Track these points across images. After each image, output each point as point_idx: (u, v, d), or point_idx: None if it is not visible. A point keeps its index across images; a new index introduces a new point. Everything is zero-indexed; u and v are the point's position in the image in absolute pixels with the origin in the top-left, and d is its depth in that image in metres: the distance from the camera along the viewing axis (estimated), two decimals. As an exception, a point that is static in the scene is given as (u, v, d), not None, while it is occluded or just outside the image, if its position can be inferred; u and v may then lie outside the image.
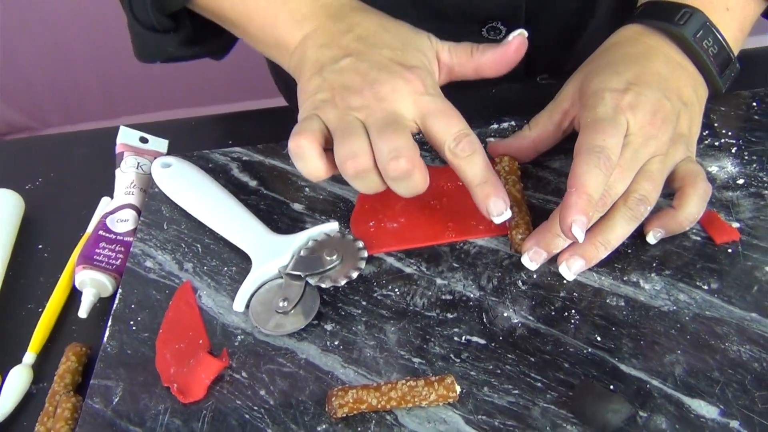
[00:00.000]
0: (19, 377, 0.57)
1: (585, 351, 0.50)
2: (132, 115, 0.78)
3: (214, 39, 0.69)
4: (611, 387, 0.47)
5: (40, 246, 0.69)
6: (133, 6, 0.63)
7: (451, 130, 0.52)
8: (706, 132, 0.60)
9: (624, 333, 0.50)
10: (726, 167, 0.58)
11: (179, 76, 1.32)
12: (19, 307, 0.64)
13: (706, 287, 0.51)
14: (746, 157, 0.58)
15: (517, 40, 0.55)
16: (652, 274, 0.53)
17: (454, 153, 0.52)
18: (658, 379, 0.47)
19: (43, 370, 0.59)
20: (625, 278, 0.53)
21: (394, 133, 0.50)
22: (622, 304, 0.52)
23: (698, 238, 0.54)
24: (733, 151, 0.59)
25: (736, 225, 0.54)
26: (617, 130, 0.51)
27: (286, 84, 0.94)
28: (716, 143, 0.60)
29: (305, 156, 0.52)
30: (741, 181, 0.57)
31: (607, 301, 0.52)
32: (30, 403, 0.57)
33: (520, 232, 0.55)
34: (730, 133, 0.60)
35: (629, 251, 0.54)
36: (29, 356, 0.59)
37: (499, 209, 0.52)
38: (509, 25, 0.71)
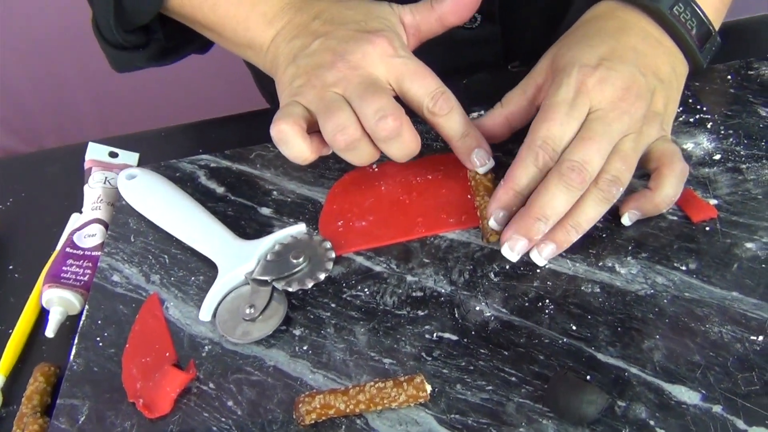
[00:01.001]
0: (-12, 401, 0.56)
1: (560, 341, 0.47)
2: (127, 132, 0.79)
3: (187, 46, 0.68)
4: (588, 377, 0.45)
5: (11, 266, 0.67)
6: (100, 26, 0.62)
7: (427, 89, 0.52)
8: (681, 108, 0.58)
9: (600, 321, 0.48)
10: (702, 143, 0.56)
11: (174, 92, 1.32)
12: (-12, 330, 0.62)
13: (684, 268, 0.49)
14: (722, 132, 0.56)
15: None
16: (628, 258, 0.51)
17: (433, 112, 0.53)
18: (637, 366, 0.45)
19: (13, 392, 0.57)
20: (600, 264, 0.51)
21: (374, 94, 0.51)
22: (598, 290, 0.49)
23: (675, 218, 0.52)
24: (709, 126, 0.57)
25: (713, 202, 0.52)
26: (570, 117, 0.50)
27: (272, 94, 0.93)
28: (691, 119, 0.57)
29: (288, 140, 0.52)
30: (717, 157, 0.55)
31: (582, 288, 0.50)
32: (0, 427, 0.55)
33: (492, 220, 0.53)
34: (705, 109, 0.58)
35: (604, 235, 0.52)
36: (-2, 379, 0.57)
37: (482, 159, 0.54)
38: (483, 12, 0.69)
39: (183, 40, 0.66)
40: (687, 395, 0.43)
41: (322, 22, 0.55)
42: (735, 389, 0.43)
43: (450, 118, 0.53)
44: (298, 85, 0.54)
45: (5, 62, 1.37)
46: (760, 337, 0.45)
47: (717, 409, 0.42)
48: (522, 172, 0.50)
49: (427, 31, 0.57)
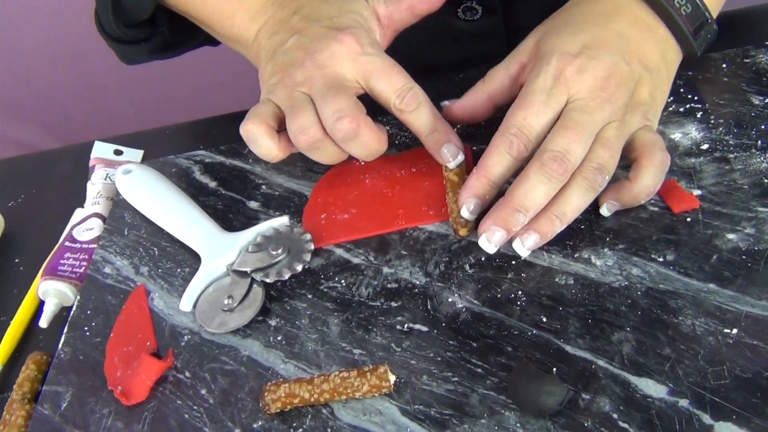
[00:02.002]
0: (-17, 388, 0.58)
1: (529, 333, 0.47)
2: (158, 126, 0.81)
3: (190, 41, 0.69)
4: (554, 369, 0.44)
5: (17, 260, 0.69)
6: (101, 20, 0.63)
7: (394, 86, 0.52)
8: (671, 98, 0.56)
9: (571, 312, 0.47)
10: (690, 133, 0.54)
11: (180, 90, 1.34)
12: (-9, 320, 0.64)
13: (661, 259, 0.48)
14: (712, 121, 0.54)
15: None
16: (605, 249, 0.49)
17: (400, 109, 0.53)
18: (605, 358, 0.44)
19: (8, 380, 0.59)
20: (576, 255, 0.50)
21: (334, 96, 0.51)
22: (572, 282, 0.48)
23: (656, 209, 0.50)
24: (699, 115, 0.55)
25: (697, 192, 0.50)
26: (546, 107, 0.49)
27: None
28: (681, 109, 0.56)
29: (255, 139, 0.54)
30: (705, 146, 0.53)
31: (556, 280, 0.49)
32: (-6, 414, 0.57)
33: (455, 214, 0.52)
34: (696, 98, 0.56)
35: (582, 227, 0.51)
36: (-6, 367, 0.59)
37: (453, 153, 0.54)
38: (483, 4, 0.69)
39: (187, 34, 0.67)
40: (653, 389, 0.42)
41: (300, 18, 0.56)
42: (704, 383, 0.42)
43: (418, 114, 0.53)
44: (273, 83, 0.54)
45: (37, 62, 1.41)
46: (734, 330, 0.43)
47: (683, 403, 0.41)
48: (495, 160, 0.50)
49: (400, 20, 0.57)
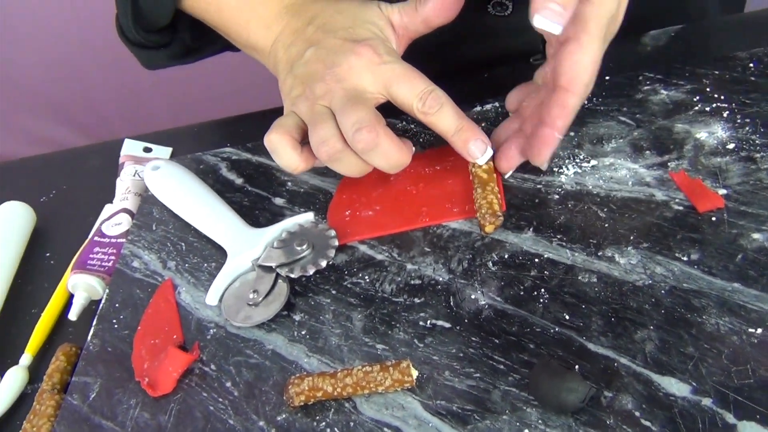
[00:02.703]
0: (15, 378, 0.59)
1: (552, 330, 0.47)
2: (187, 123, 0.82)
3: (210, 46, 0.70)
4: (576, 366, 0.44)
5: (48, 254, 0.71)
6: (122, 26, 0.64)
7: (415, 90, 0.52)
8: (697, 98, 0.56)
9: (594, 310, 0.47)
10: (716, 132, 0.54)
11: (209, 89, 1.36)
12: (23, 312, 0.65)
13: (685, 258, 0.47)
14: (738, 121, 0.54)
15: None
16: (629, 248, 0.49)
17: (423, 111, 0.52)
18: (627, 356, 0.44)
19: (39, 370, 0.60)
20: (599, 253, 0.50)
21: (353, 107, 0.51)
22: (595, 280, 0.48)
23: (680, 208, 0.50)
24: (725, 115, 0.55)
25: (722, 192, 0.50)
26: None
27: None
28: (707, 108, 0.55)
29: (278, 150, 0.54)
30: (731, 146, 0.52)
31: (579, 278, 0.49)
32: (24, 403, 0.58)
33: (484, 211, 0.52)
34: (722, 97, 0.56)
35: (606, 225, 0.51)
36: (25, 358, 0.60)
37: (480, 149, 0.53)
38: (514, 0, 0.68)
39: (208, 39, 0.67)
40: (676, 387, 0.42)
41: (315, 29, 0.56)
42: (727, 382, 0.41)
43: (441, 115, 0.52)
44: (295, 96, 0.55)
45: (71, 61, 1.43)
46: (759, 330, 0.43)
47: (707, 402, 0.41)
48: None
49: (415, 31, 0.57)
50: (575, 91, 0.48)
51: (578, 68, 0.48)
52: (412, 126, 0.64)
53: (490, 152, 0.54)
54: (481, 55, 0.73)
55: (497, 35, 0.72)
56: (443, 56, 0.70)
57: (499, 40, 0.73)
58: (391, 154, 0.52)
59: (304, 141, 0.54)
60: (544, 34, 0.48)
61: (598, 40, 0.48)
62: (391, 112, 0.55)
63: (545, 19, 0.44)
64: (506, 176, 0.56)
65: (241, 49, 0.65)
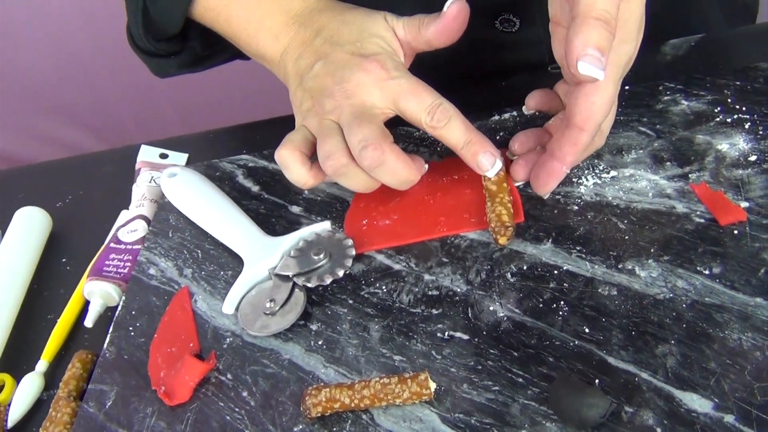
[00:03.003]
0: (31, 384, 0.59)
1: (571, 344, 0.46)
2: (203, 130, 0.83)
3: (221, 54, 0.70)
4: (596, 381, 0.44)
5: (64, 260, 0.71)
6: (132, 34, 0.64)
7: (423, 104, 0.52)
8: (718, 108, 0.56)
9: (614, 324, 0.46)
10: (738, 144, 0.53)
11: (225, 94, 1.36)
12: (39, 318, 0.66)
13: (707, 272, 0.47)
14: (761, 132, 0.53)
15: (455, 6, 0.54)
16: (650, 261, 0.49)
17: (432, 125, 0.52)
18: (648, 371, 0.44)
19: (54, 377, 0.60)
20: (619, 266, 0.49)
21: (360, 124, 0.51)
22: (615, 293, 0.48)
23: (702, 221, 0.50)
24: (747, 126, 0.54)
25: (744, 205, 0.49)
26: None
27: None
28: (728, 119, 0.55)
29: (287, 165, 0.54)
30: (753, 158, 0.52)
31: (599, 290, 0.48)
32: (40, 410, 0.58)
33: (493, 224, 0.52)
34: (744, 108, 0.55)
35: (626, 237, 0.50)
36: (41, 364, 0.60)
37: (489, 161, 0.53)
38: (522, 16, 0.68)
39: (218, 47, 0.67)
40: (698, 403, 0.41)
41: (323, 41, 0.56)
42: (750, 399, 0.41)
43: (449, 128, 0.52)
44: (306, 109, 0.55)
45: (87, 66, 1.43)
46: (782, 346, 0.42)
47: (729, 418, 0.40)
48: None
49: (418, 48, 0.57)
50: (588, 130, 0.49)
51: (594, 109, 0.48)
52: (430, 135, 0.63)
53: (499, 164, 0.54)
54: (489, 69, 0.73)
55: (505, 51, 0.72)
56: (450, 70, 0.70)
57: (506, 56, 0.72)
58: (398, 171, 0.52)
59: (315, 156, 0.54)
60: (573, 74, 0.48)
61: (614, 83, 0.48)
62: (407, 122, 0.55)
63: (589, 65, 0.43)
64: (519, 185, 0.56)
65: (251, 58, 0.65)
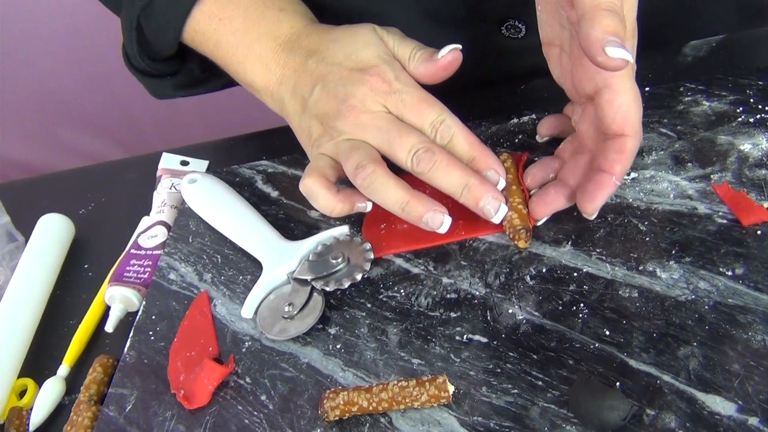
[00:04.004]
0: (52, 389, 0.59)
1: (592, 346, 0.46)
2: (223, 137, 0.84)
3: (219, 78, 0.68)
4: (617, 383, 0.43)
5: (86, 265, 0.71)
6: (128, 53, 0.63)
7: (426, 120, 0.52)
8: (741, 108, 0.55)
9: (635, 326, 0.46)
10: (760, 144, 0.52)
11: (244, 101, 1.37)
12: (61, 323, 0.66)
13: (729, 273, 0.46)
14: (784, 132, 0.53)
15: (450, 55, 0.54)
16: (671, 262, 0.48)
17: (437, 141, 0.52)
18: (670, 374, 0.43)
19: (76, 382, 0.61)
20: (640, 268, 0.49)
21: (400, 131, 0.52)
22: (636, 295, 0.47)
23: (724, 221, 0.49)
24: (770, 126, 0.53)
25: (767, 205, 0.49)
26: None
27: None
28: (751, 119, 0.54)
29: (313, 193, 0.54)
30: (777, 158, 0.51)
31: (620, 293, 0.48)
32: (61, 414, 0.59)
33: (508, 231, 0.52)
34: (767, 108, 0.55)
35: (647, 239, 0.50)
36: (63, 369, 0.61)
37: (496, 176, 0.53)
38: (527, 22, 0.68)
39: (218, 71, 0.65)
40: (722, 405, 0.41)
41: (317, 63, 0.55)
42: (775, 401, 0.40)
43: (453, 145, 0.52)
44: (317, 136, 0.55)
45: (110, 76, 1.45)
46: (808, 347, 0.42)
47: (753, 421, 0.40)
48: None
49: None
50: (630, 133, 0.48)
51: (624, 110, 0.47)
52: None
53: (503, 175, 0.54)
54: (498, 74, 0.72)
55: (511, 57, 0.71)
56: (459, 80, 0.70)
57: (513, 62, 0.72)
58: (452, 173, 0.51)
59: (339, 182, 0.54)
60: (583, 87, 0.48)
61: (628, 79, 0.48)
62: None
63: (617, 48, 0.42)
64: (539, 223, 0.54)
65: (241, 85, 0.63)
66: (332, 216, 0.56)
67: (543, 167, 0.56)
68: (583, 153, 0.53)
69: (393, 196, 0.51)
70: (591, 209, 0.50)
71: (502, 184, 0.53)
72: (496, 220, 0.52)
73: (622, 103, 0.47)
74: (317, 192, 0.53)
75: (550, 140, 0.59)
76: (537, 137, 0.59)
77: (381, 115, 0.53)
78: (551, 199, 0.53)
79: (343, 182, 0.55)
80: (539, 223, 0.53)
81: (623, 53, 0.42)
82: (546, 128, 0.58)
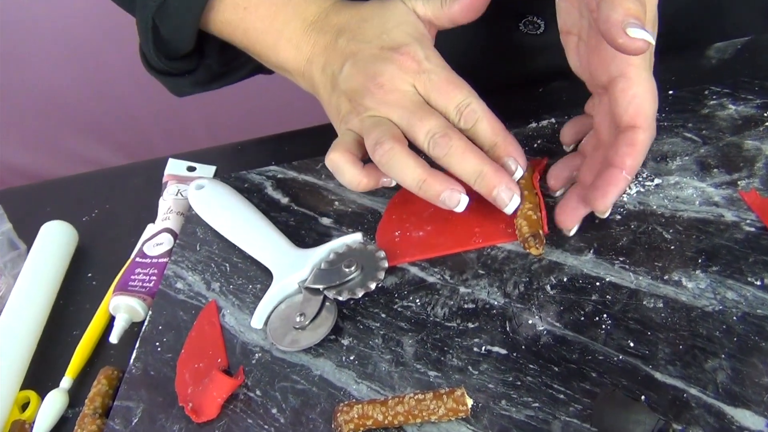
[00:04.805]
0: (55, 401, 0.60)
1: (615, 358, 0.46)
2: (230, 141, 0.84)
3: (238, 71, 0.70)
4: (642, 397, 0.43)
5: (90, 274, 0.72)
6: (145, 53, 0.64)
7: (452, 102, 0.53)
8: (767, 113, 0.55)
9: (661, 337, 0.46)
10: (790, 149, 0.52)
11: (253, 106, 1.37)
12: (65, 333, 0.67)
13: (758, 283, 0.46)
14: (814, 136, 0.53)
15: None
16: (697, 271, 0.48)
17: (460, 127, 0.53)
18: (697, 387, 0.43)
19: (79, 394, 0.61)
20: (665, 277, 0.48)
21: (422, 113, 0.52)
22: (661, 305, 0.47)
23: (752, 229, 0.49)
24: (799, 130, 0.53)
25: (798, 212, 0.49)
26: None
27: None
28: (779, 123, 0.54)
29: (339, 167, 0.54)
30: (807, 163, 0.51)
31: (644, 303, 0.48)
32: (64, 427, 0.59)
33: (518, 234, 0.53)
34: (796, 112, 0.55)
35: (672, 247, 0.50)
36: (66, 381, 0.61)
37: (516, 162, 0.53)
38: (546, 18, 0.68)
39: (236, 64, 0.67)
40: (751, 420, 0.41)
41: (347, 41, 0.56)
42: (807, 416, 0.40)
43: (476, 129, 0.53)
44: (346, 112, 0.56)
45: (113, 81, 1.46)
46: (841, 360, 0.41)
47: (785, 436, 0.40)
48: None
49: (440, 25, 0.58)
50: (642, 125, 0.48)
51: (638, 101, 0.47)
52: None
53: (520, 172, 0.54)
54: (520, 76, 0.73)
55: (530, 55, 0.72)
56: (478, 79, 0.70)
57: (532, 60, 0.72)
58: (468, 159, 0.52)
59: (366, 159, 0.55)
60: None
61: (645, 70, 0.48)
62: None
63: (639, 30, 0.43)
64: (570, 233, 0.53)
65: (273, 70, 0.65)
66: (358, 191, 0.56)
67: (565, 166, 0.56)
68: (600, 148, 0.53)
69: (410, 173, 0.52)
70: (602, 207, 0.50)
71: (519, 173, 0.53)
72: (509, 210, 0.52)
73: (636, 93, 0.47)
74: (342, 167, 0.54)
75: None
76: (564, 147, 0.59)
77: (408, 95, 0.53)
78: (574, 205, 0.53)
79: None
80: (570, 234, 0.53)
81: (645, 34, 0.42)
82: (569, 135, 0.58)
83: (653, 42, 0.43)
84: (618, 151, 0.48)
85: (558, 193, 0.56)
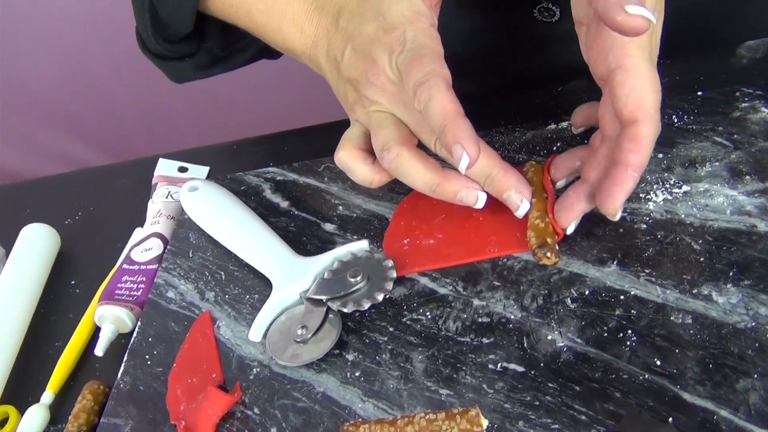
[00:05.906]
0: (36, 417, 0.60)
1: (641, 378, 0.46)
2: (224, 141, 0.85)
3: (240, 54, 0.71)
4: (670, 419, 0.44)
5: (73, 281, 0.72)
6: (143, 37, 0.66)
7: (409, 84, 0.50)
8: (804, 116, 0.56)
9: (689, 356, 0.46)
10: (827, 156, 0.53)
11: (248, 104, 1.38)
12: (46, 345, 0.67)
13: (794, 298, 0.47)
14: None
15: None
16: (728, 285, 0.48)
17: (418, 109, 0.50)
18: (728, 408, 0.43)
19: (61, 410, 0.61)
20: (694, 291, 0.49)
21: (432, 97, 0.51)
22: (690, 321, 0.48)
23: (787, 241, 0.49)
24: (837, 136, 0.54)
25: (836, 223, 0.49)
26: None
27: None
28: (815, 129, 0.55)
29: (349, 167, 0.56)
30: None
31: (672, 318, 0.48)
32: (45, 446, 0.59)
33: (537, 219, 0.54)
34: (833, 116, 0.55)
35: (701, 259, 0.50)
36: (47, 395, 0.61)
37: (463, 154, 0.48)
38: (561, 5, 0.69)
39: (238, 47, 0.68)
40: (786, 445, 0.41)
41: (346, 21, 0.57)
42: None
43: (427, 108, 0.49)
44: (352, 102, 0.57)
45: (97, 74, 1.46)
46: None
47: (822, 462, 0.40)
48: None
49: None
50: (643, 118, 0.48)
51: (637, 93, 0.48)
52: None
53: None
54: (532, 68, 0.73)
55: (546, 45, 0.72)
56: (487, 70, 0.70)
57: (552, 50, 0.73)
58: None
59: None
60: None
61: (644, 61, 0.48)
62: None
63: (636, 6, 0.43)
64: (568, 232, 0.54)
65: (281, 52, 0.66)
66: (372, 188, 0.57)
67: (570, 156, 0.57)
68: (605, 144, 0.53)
69: (420, 179, 0.53)
70: (611, 208, 0.50)
71: (465, 162, 0.48)
72: (519, 214, 0.54)
73: (635, 85, 0.48)
74: (352, 165, 0.55)
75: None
76: (572, 128, 0.60)
77: (400, 84, 0.54)
78: (570, 202, 0.53)
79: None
80: (569, 232, 0.54)
81: (644, 11, 0.43)
82: (580, 117, 0.59)
83: (654, 20, 0.43)
84: (622, 147, 0.49)
85: (560, 185, 0.57)
